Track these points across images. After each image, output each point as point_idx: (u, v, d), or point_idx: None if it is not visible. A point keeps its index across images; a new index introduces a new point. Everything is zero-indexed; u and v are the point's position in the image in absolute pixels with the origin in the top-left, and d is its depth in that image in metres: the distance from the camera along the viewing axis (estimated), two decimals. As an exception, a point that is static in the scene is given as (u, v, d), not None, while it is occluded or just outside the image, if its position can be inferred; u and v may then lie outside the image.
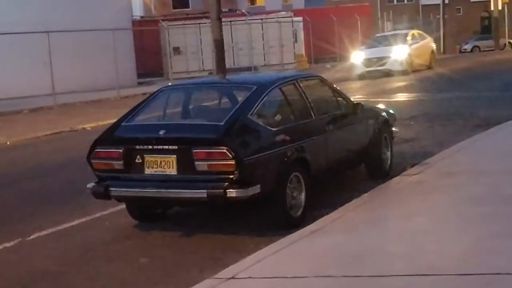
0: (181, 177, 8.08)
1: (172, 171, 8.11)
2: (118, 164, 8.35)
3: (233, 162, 7.79)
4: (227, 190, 7.80)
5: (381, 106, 11.55)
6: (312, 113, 9.29)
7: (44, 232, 9.03)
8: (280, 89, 9.11)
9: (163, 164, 8.13)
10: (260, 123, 8.43)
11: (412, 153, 12.78)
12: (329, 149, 9.43)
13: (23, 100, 27.98)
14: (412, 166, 11.00)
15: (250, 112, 8.40)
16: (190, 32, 43.59)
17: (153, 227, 8.96)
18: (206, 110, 9.34)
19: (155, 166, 8.18)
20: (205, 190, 7.84)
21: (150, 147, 8.18)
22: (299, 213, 8.66)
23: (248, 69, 40.87)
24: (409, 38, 35.91)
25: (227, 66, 41.77)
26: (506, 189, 8.89)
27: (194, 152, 7.90)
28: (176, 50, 43.92)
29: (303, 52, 48.17)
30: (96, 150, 8.49)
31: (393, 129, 11.44)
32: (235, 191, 7.82)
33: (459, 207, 8.32)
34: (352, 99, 10.53)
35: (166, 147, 8.10)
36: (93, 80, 32.54)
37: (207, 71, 40.72)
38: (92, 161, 8.53)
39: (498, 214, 7.82)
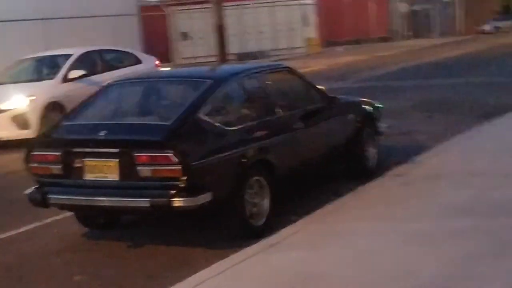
0: (124, 183, 7.20)
1: (114, 176, 7.22)
2: (56, 169, 7.49)
3: (179, 167, 6.89)
4: (173, 199, 6.92)
5: (366, 99, 10.56)
6: (277, 109, 8.36)
7: (-16, 241, 8.23)
8: (239, 83, 8.19)
9: (104, 169, 7.26)
10: (214, 122, 7.51)
11: (404, 147, 11.82)
12: (298, 149, 8.51)
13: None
14: (399, 165, 10.08)
15: (202, 110, 7.48)
16: (198, 17, 42.56)
17: (102, 236, 8.14)
18: (154, 108, 8.34)
19: (95, 171, 7.30)
20: (148, 199, 6.96)
21: (89, 150, 7.31)
22: (261, 221, 7.76)
23: (255, 54, 39.87)
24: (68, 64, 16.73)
25: (235, 51, 41.31)
26: (494, 196, 7.93)
27: (136, 156, 7.01)
28: (184, 35, 43.07)
29: (315, 35, 47.10)
30: (33, 153, 7.62)
31: (381, 124, 10.49)
32: (182, 200, 6.94)
33: (436, 219, 7.34)
34: (326, 92, 9.55)
35: (107, 150, 7.22)
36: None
37: (214, 56, 39.73)
38: (30, 165, 7.66)
39: (478, 228, 6.84)
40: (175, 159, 6.87)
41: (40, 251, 7.80)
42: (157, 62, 19.12)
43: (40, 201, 7.56)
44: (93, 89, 13.70)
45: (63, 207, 7.82)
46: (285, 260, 6.50)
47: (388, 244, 6.67)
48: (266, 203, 7.81)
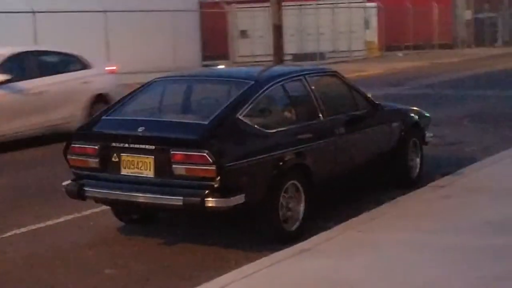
0: (158, 180, 7.20)
1: (149, 173, 7.24)
2: (94, 162, 7.53)
3: (214, 167, 6.87)
4: (206, 199, 6.89)
5: (414, 108, 10.39)
6: (319, 114, 8.27)
7: (23, 230, 8.32)
8: (282, 85, 8.11)
9: (140, 165, 7.27)
10: (252, 124, 7.45)
11: (452, 158, 11.65)
12: (338, 155, 8.41)
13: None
14: (443, 176, 9.91)
15: (241, 111, 7.43)
16: (258, 16, 42.52)
17: (137, 231, 8.13)
18: (194, 107, 8.36)
19: (131, 166, 7.33)
20: (181, 197, 6.95)
21: (127, 145, 7.32)
22: (295, 226, 7.69)
23: (313, 55, 39.68)
24: None
25: (293, 51, 41.20)
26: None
27: (172, 153, 7.02)
28: (243, 33, 43.11)
29: (376, 39, 46.71)
30: (72, 145, 7.67)
31: (427, 133, 10.31)
32: (215, 200, 6.91)
33: (472, 235, 7.17)
34: (373, 99, 9.42)
35: (144, 146, 7.23)
36: (155, 62, 31.72)
37: (272, 55, 39.68)
38: (68, 157, 7.72)
39: (512, 248, 6.69)
40: (210, 159, 6.84)
41: (74, 242, 7.85)
42: (107, 68, 16.89)
43: (77, 194, 7.60)
44: (15, 97, 13.17)
45: (98, 200, 7.85)
46: (314, 267, 6.41)
47: (421, 258, 6.55)
48: (301, 208, 7.74)
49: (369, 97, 9.28)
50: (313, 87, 8.40)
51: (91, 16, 28.37)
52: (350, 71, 32.22)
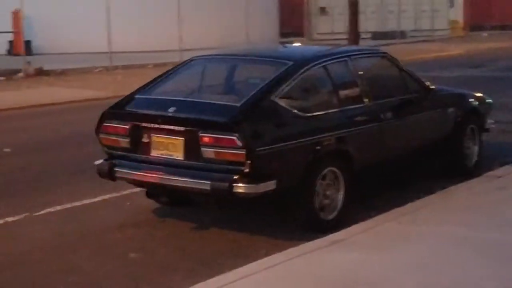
0: (187, 163, 6.94)
1: (178, 155, 6.98)
2: (125, 142, 7.31)
3: (243, 151, 6.56)
4: (234, 184, 6.60)
5: (474, 92, 9.82)
6: (364, 98, 7.85)
7: (58, 208, 8.21)
8: (324, 67, 7.69)
9: (170, 147, 7.03)
10: (288, 107, 7.09)
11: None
12: (383, 141, 7.98)
13: (151, 54, 27.65)
14: (502, 165, 9.37)
15: (277, 93, 7.07)
16: (338, -8, 41.95)
17: (171, 214, 7.93)
18: (229, 87, 8.01)
19: (161, 148, 7.09)
20: (209, 182, 6.67)
21: (157, 126, 7.08)
22: (332, 215, 7.33)
23: (392, 33, 38.81)
24: None
25: (372, 29, 40.44)
26: None
27: (200, 136, 6.73)
28: (323, 10, 42.54)
29: (460, 18, 45.48)
30: (103, 124, 7.47)
31: (488, 120, 9.76)
32: (244, 186, 6.61)
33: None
34: (427, 83, 8.92)
35: (173, 127, 6.97)
36: (228, 38, 31.44)
37: (351, 33, 39.08)
38: (100, 135, 7.53)
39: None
40: (239, 143, 6.54)
41: (105, 223, 7.69)
42: None
43: (107, 174, 7.41)
44: None
45: (129, 181, 7.64)
46: (342, 260, 6.06)
47: (459, 254, 6.14)
48: (340, 196, 7.38)
49: (421, 81, 8.78)
50: (358, 69, 7.97)
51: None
52: (429, 51, 31.55)
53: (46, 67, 24.14)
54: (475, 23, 46.06)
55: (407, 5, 41.97)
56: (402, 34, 39.26)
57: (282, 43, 34.40)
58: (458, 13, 45.15)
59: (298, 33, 40.20)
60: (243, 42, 30.15)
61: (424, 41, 38.77)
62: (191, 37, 28.24)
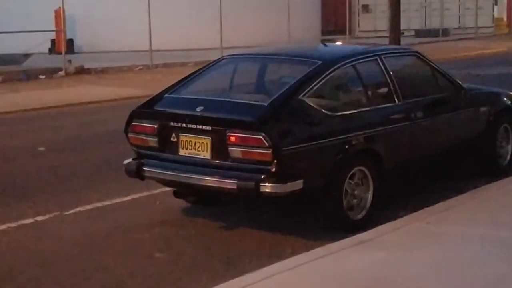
0: (214, 163, 6.94)
1: (206, 155, 6.98)
2: (153, 141, 7.34)
3: (270, 151, 6.54)
4: (261, 184, 6.58)
5: (509, 91, 9.70)
6: (395, 97, 7.77)
7: (88, 207, 8.24)
8: (353, 66, 7.64)
9: (198, 146, 7.03)
10: (316, 106, 7.04)
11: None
12: (413, 141, 7.90)
13: (192, 53, 27.73)
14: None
15: (304, 93, 7.04)
16: (381, -10, 41.63)
17: (200, 213, 7.92)
18: (258, 86, 7.99)
19: (189, 147, 7.09)
20: (236, 181, 6.66)
21: (185, 125, 7.09)
22: (361, 215, 7.28)
23: (436, 31, 38.42)
24: None
25: (416, 27, 40.10)
26: None
27: (228, 135, 6.73)
28: (365, 8, 42.28)
29: (505, 16, 44.89)
30: (132, 123, 7.50)
31: None
32: (270, 186, 6.59)
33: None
34: (459, 82, 8.80)
35: (201, 126, 6.97)
36: (269, 36, 31.35)
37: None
38: (129, 135, 7.56)
39: None
40: (267, 142, 6.53)
41: (133, 222, 7.70)
42: None
43: (136, 173, 7.43)
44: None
45: (157, 180, 7.66)
46: (368, 260, 6.01)
47: (488, 256, 6.06)
48: (368, 195, 7.32)
49: (453, 80, 8.67)
50: (389, 68, 7.89)
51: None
52: (473, 49, 31.18)
53: (87, 65, 24.33)
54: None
55: (450, 3, 41.52)
56: (445, 32, 38.82)
57: (324, 41, 34.34)
58: (502, 11, 44.56)
59: (341, 31, 39.85)
60: (285, 41, 30.09)
61: (467, 38, 38.30)
62: (232, 35, 28.24)
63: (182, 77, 8.07)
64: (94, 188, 9.02)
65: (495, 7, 43.28)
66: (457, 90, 8.62)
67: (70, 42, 28.06)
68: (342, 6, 38.23)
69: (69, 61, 24.03)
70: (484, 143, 8.90)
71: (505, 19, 44.91)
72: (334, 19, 41.54)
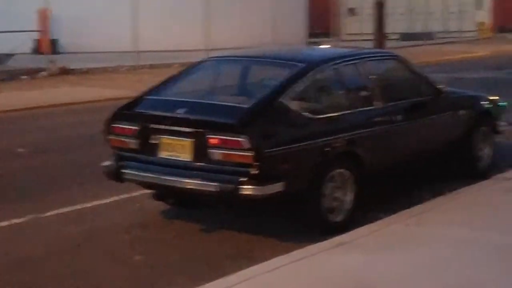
0: (195, 165, 6.93)
1: (187, 157, 6.98)
2: (133, 143, 7.32)
3: (251, 153, 6.55)
4: (241, 186, 6.58)
5: (487, 95, 9.78)
6: (375, 100, 7.81)
7: (66, 209, 8.18)
8: (334, 69, 7.68)
9: (178, 148, 7.03)
10: (297, 109, 7.07)
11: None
12: (393, 144, 7.93)
13: (178, 54, 27.65)
14: (513, 168, 9.32)
15: (286, 95, 7.06)
16: (367, -7, 41.74)
17: (180, 215, 7.91)
18: (240, 89, 8.01)
19: (169, 149, 7.09)
20: (216, 184, 6.66)
21: (165, 127, 7.08)
22: (341, 217, 7.30)
23: (420, 35, 38.60)
24: None
25: (400, 30, 40.22)
26: None
27: (209, 137, 6.73)
28: (352, 11, 42.39)
29: (488, 20, 45.11)
30: (112, 124, 7.48)
31: (500, 122, 9.68)
32: (251, 188, 6.60)
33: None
34: (439, 86, 8.84)
35: (182, 129, 6.97)
36: (255, 38, 31.31)
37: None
38: (109, 136, 7.54)
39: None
40: (247, 145, 6.54)
41: (113, 225, 7.68)
42: None
43: (115, 175, 7.42)
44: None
45: (137, 183, 7.64)
46: (346, 262, 6.05)
47: (465, 257, 6.12)
48: (348, 198, 7.34)
49: (433, 83, 8.73)
50: (370, 72, 7.94)
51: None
52: (456, 52, 31.32)
53: (71, 66, 24.20)
54: (502, 25, 45.66)
55: (435, 7, 41.71)
56: (429, 35, 39.02)
57: (311, 44, 34.38)
58: (485, 15, 44.78)
59: (327, 33, 39.98)
60: (271, 43, 30.12)
61: (451, 42, 38.49)
62: (218, 37, 28.23)
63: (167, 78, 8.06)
64: (74, 190, 8.98)
65: (479, 11, 43.48)
66: (436, 93, 8.67)
67: (54, 42, 27.92)
68: (328, 8, 38.33)
69: (53, 62, 23.90)
70: (463, 146, 8.97)
71: (488, 23, 45.08)
72: (321, 22, 41.56)
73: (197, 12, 28.36)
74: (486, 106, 9.46)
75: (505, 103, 10.02)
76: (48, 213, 8.04)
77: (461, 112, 8.96)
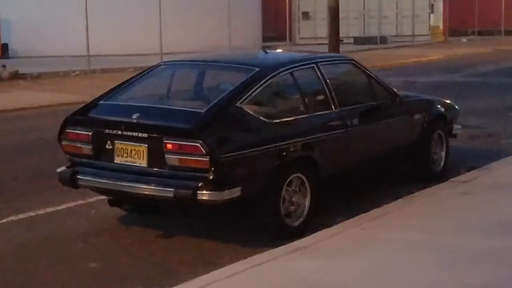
0: (150, 170, 6.86)
1: (142, 162, 6.90)
2: (87, 149, 7.22)
3: (207, 159, 6.49)
4: (198, 191, 6.52)
5: (442, 99, 9.89)
6: (331, 105, 7.81)
7: (20, 216, 8.04)
8: (290, 73, 7.66)
9: (133, 154, 6.94)
10: (253, 113, 7.03)
11: (484, 152, 11.04)
12: (351, 147, 7.95)
13: (132, 58, 27.48)
14: (468, 170, 9.38)
15: (242, 100, 7.02)
16: (321, -3, 41.91)
17: (137, 222, 7.81)
18: (195, 93, 7.95)
19: (125, 155, 7.00)
20: (173, 189, 6.59)
21: (120, 132, 6.99)
22: (298, 222, 7.28)
23: (374, 39, 38.92)
24: None
25: (354, 34, 40.51)
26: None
27: (165, 142, 6.66)
28: (305, 15, 42.56)
29: (441, 24, 45.64)
30: (65, 130, 7.37)
31: (455, 125, 9.78)
32: (207, 193, 6.55)
33: (481, 236, 6.69)
34: (394, 90, 8.89)
35: (137, 134, 6.88)
36: (210, 42, 31.23)
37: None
38: (63, 142, 7.43)
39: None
40: (203, 150, 6.48)
41: (68, 232, 7.56)
42: None
43: (69, 181, 7.31)
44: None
45: (92, 189, 7.54)
46: (305, 267, 6.02)
47: (420, 260, 6.12)
48: (306, 202, 7.32)
49: (388, 87, 8.77)
50: (325, 76, 7.93)
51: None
52: (409, 56, 31.63)
53: (22, 70, 23.82)
54: (455, 29, 46.21)
55: (388, 11, 42.08)
56: (383, 40, 39.35)
57: (265, 48, 34.35)
58: (438, 19, 45.29)
59: (281, 37, 40.02)
60: (226, 46, 30.09)
61: (405, 46, 38.86)
62: (172, 41, 28.16)
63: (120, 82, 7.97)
64: (27, 197, 8.82)
65: (432, 15, 43.97)
66: (392, 97, 8.71)
67: (4, 47, 27.54)
68: (282, 12, 38.42)
69: (3, 66, 23.55)
70: (419, 150, 9.04)
71: (441, 27, 45.65)
72: (275, 26, 41.66)
73: (151, 16, 28.19)
74: (441, 110, 9.53)
75: (458, 107, 10.12)
76: (2, 221, 7.90)
77: (417, 115, 9.03)
